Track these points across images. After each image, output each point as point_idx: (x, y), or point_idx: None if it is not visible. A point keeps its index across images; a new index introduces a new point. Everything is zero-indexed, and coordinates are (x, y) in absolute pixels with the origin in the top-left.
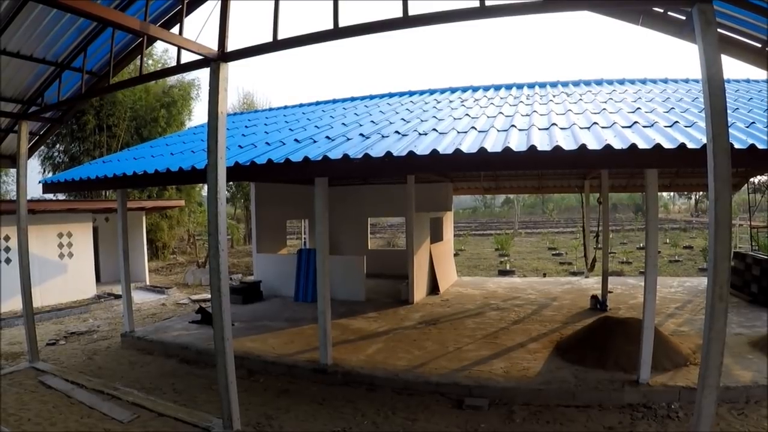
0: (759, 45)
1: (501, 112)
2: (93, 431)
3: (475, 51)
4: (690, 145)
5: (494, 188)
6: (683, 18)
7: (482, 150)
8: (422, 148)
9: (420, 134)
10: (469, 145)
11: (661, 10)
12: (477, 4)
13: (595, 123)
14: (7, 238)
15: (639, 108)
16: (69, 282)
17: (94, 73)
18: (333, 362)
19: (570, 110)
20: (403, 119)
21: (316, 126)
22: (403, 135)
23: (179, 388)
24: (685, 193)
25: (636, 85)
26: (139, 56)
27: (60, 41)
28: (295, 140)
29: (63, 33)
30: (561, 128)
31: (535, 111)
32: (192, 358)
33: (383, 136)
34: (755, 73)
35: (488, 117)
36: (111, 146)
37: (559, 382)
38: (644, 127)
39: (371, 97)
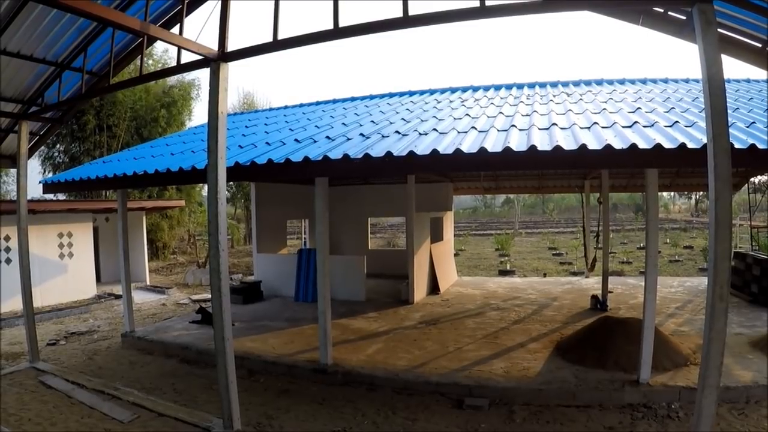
0: (759, 45)
1: (501, 112)
2: (93, 431)
3: (475, 51)
4: (690, 145)
5: (494, 188)
6: (683, 18)
7: (482, 150)
8: (422, 148)
9: (420, 134)
10: (469, 145)
11: (662, 10)
12: (477, 4)
13: (596, 123)
14: (7, 238)
15: (639, 108)
16: (69, 282)
17: (95, 73)
18: (333, 362)
19: (570, 110)
20: (403, 119)
21: (316, 126)
22: (404, 135)
23: (179, 388)
24: (686, 192)
25: (636, 85)
26: (140, 56)
27: (60, 41)
28: (296, 140)
29: (63, 33)
30: (561, 128)
31: (535, 111)
32: (192, 358)
33: (383, 136)
34: (755, 73)
35: (488, 117)
36: (111, 146)
37: (559, 382)
38: (644, 126)
39: (371, 97)
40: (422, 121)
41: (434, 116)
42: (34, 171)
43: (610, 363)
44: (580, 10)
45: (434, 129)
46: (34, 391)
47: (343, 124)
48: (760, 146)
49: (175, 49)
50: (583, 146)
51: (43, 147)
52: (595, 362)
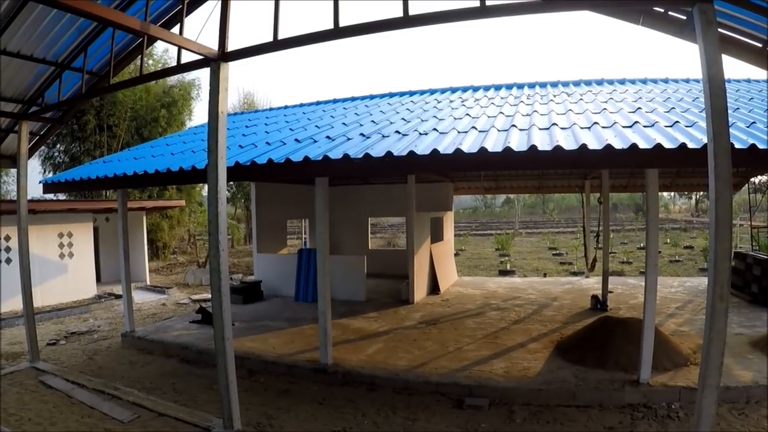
0: (759, 45)
1: (501, 112)
2: (93, 431)
3: (475, 51)
4: (690, 145)
5: (495, 188)
6: (684, 18)
7: (483, 150)
8: (423, 148)
9: (420, 134)
10: (469, 145)
11: (662, 10)
12: (477, 3)
13: (596, 123)
14: (7, 238)
15: (639, 108)
16: (69, 282)
17: (95, 73)
18: (333, 362)
19: (570, 110)
20: (403, 119)
21: (316, 126)
22: (404, 135)
23: (180, 387)
24: (686, 193)
25: (636, 85)
26: (140, 56)
27: (60, 41)
28: (296, 140)
29: (63, 33)
30: (561, 128)
31: (535, 111)
32: (192, 357)
33: (384, 136)
34: (756, 72)
35: (489, 117)
36: (111, 146)
37: (559, 382)
38: (645, 126)
39: (372, 97)
40: (422, 121)
41: (434, 116)
42: (35, 171)
43: (610, 363)
44: (580, 10)
45: (434, 129)
46: (34, 391)
47: (344, 123)
48: (761, 146)
49: (176, 49)
50: (584, 146)
51: (43, 147)
52: (595, 362)
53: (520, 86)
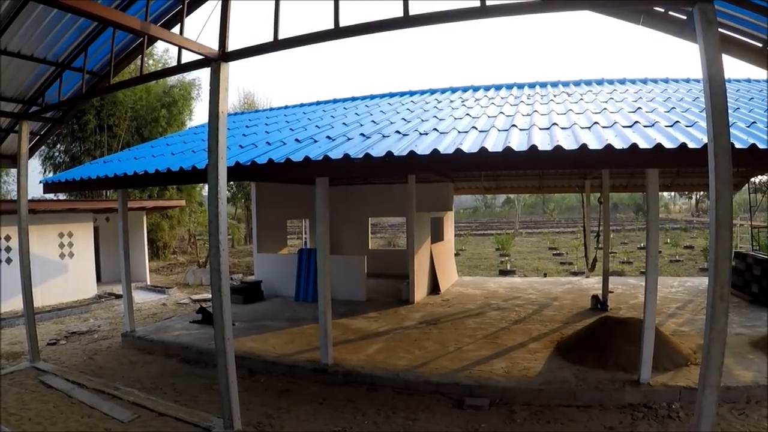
0: (759, 44)
1: (502, 112)
2: (94, 431)
3: (476, 51)
4: (691, 145)
5: (495, 188)
6: (684, 18)
7: (483, 150)
8: (423, 148)
9: (421, 134)
10: (470, 145)
11: (662, 10)
12: (477, 3)
13: (596, 123)
14: (8, 238)
15: (640, 108)
16: (70, 282)
17: (95, 73)
18: (333, 362)
19: (571, 110)
20: (403, 119)
21: (316, 126)
22: (404, 135)
23: (180, 387)
24: (686, 192)
25: (637, 85)
26: (140, 56)
27: (61, 41)
28: (296, 140)
29: (64, 33)
30: (562, 128)
31: (536, 111)
32: (193, 357)
33: (384, 136)
34: (756, 72)
35: (489, 117)
36: (112, 146)
37: (559, 382)
38: (645, 126)
39: (372, 97)
40: (423, 120)
41: (435, 116)
42: (35, 171)
43: (610, 363)
44: (580, 9)
45: (435, 129)
46: (34, 391)
47: (344, 123)
48: (761, 146)
49: (176, 48)
50: (584, 146)
51: (43, 147)
52: (596, 362)
53: (521, 86)
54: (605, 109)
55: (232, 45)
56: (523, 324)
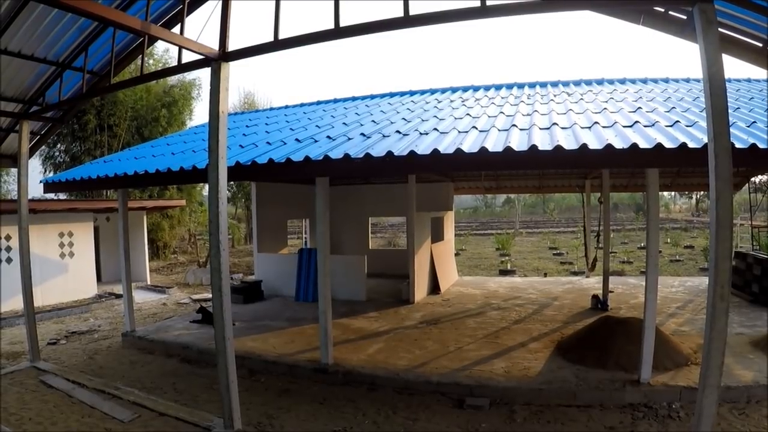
0: (760, 44)
1: (502, 112)
2: (94, 431)
3: (476, 51)
4: (691, 145)
5: (495, 188)
6: (684, 17)
7: (483, 150)
8: (423, 148)
9: (421, 134)
10: (470, 145)
11: (662, 10)
12: (477, 3)
13: (596, 122)
14: (8, 238)
15: (640, 107)
16: (70, 281)
17: (95, 73)
18: (334, 362)
19: (571, 110)
20: (404, 119)
21: (317, 125)
22: (404, 135)
23: (180, 387)
24: (686, 192)
25: (637, 85)
26: (140, 56)
27: (61, 41)
28: (296, 140)
29: (64, 33)
30: (562, 128)
31: (536, 110)
32: (193, 357)
33: (384, 136)
34: (756, 72)
35: (489, 117)
36: (112, 146)
37: (560, 381)
38: (645, 126)
39: (372, 97)
40: (423, 120)
41: (435, 116)
42: (35, 170)
43: (610, 363)
44: (581, 9)
45: (435, 129)
46: (34, 391)
47: (344, 123)
48: (761, 146)
49: (176, 48)
50: (584, 146)
51: (44, 146)
52: (596, 362)
53: (521, 86)
54: (605, 108)
55: (233, 45)
56: (523, 324)
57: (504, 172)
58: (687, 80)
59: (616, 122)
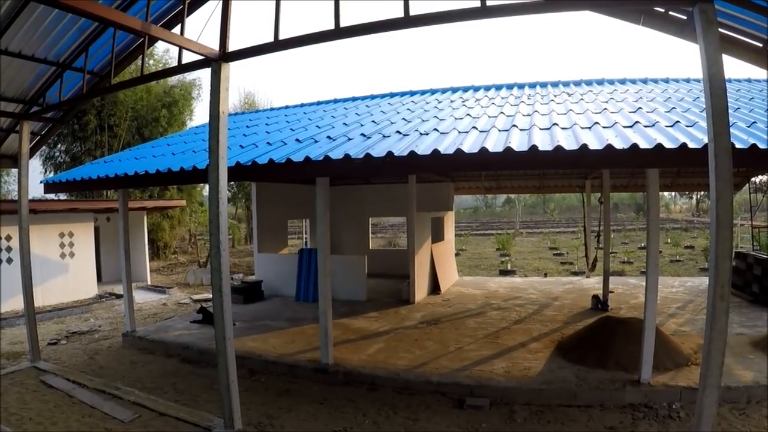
0: (760, 44)
1: (502, 112)
2: (94, 431)
3: (476, 51)
4: (691, 145)
5: (495, 188)
6: (684, 18)
7: (483, 150)
8: (423, 148)
9: (421, 134)
10: (470, 145)
11: (662, 10)
12: (478, 4)
13: (597, 123)
14: (8, 238)
15: (640, 108)
16: (70, 282)
17: (96, 73)
18: (334, 362)
19: (571, 110)
20: (404, 119)
21: (317, 126)
22: (405, 135)
23: (180, 387)
24: (687, 192)
25: (637, 85)
26: (141, 56)
27: (61, 41)
28: (297, 140)
29: (64, 33)
30: (562, 128)
31: (536, 111)
32: (193, 357)
33: (384, 136)
34: (756, 72)
35: (489, 117)
36: (112, 146)
37: (560, 381)
38: (645, 126)
39: (372, 97)
40: (423, 121)
41: (435, 116)
42: (36, 171)
43: (611, 363)
44: (581, 10)
45: (435, 129)
46: (35, 391)
47: (344, 124)
48: (761, 146)
49: (176, 49)
50: (584, 146)
51: (44, 147)
52: (596, 362)
53: (521, 86)
54: (606, 109)
55: (233, 45)
56: (523, 324)
57: (504, 172)
58: (687, 80)
59: (616, 122)
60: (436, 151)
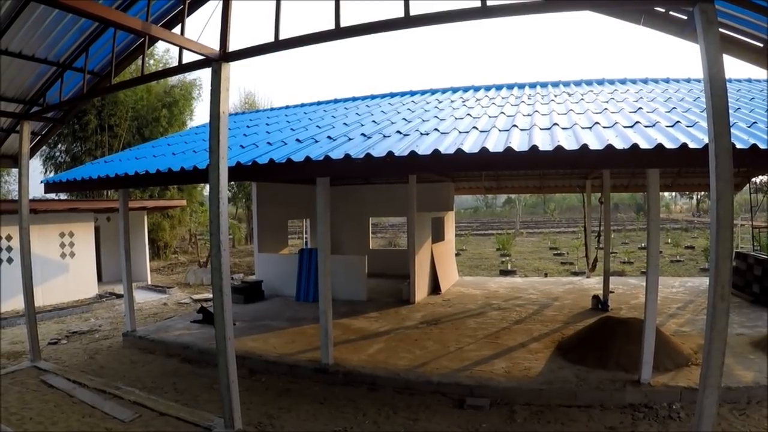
0: (760, 44)
1: (503, 112)
2: (95, 430)
3: (476, 51)
4: (692, 145)
5: (496, 188)
6: (685, 18)
7: (484, 150)
8: (424, 148)
9: (422, 134)
10: (470, 145)
11: (663, 10)
12: (478, 4)
13: (597, 123)
14: (9, 238)
15: (641, 108)
16: (71, 281)
17: (96, 73)
18: (334, 362)
19: (572, 110)
20: (404, 119)
21: (317, 126)
22: (405, 135)
23: (181, 387)
24: (687, 192)
25: (638, 85)
26: (141, 56)
27: (62, 41)
28: (297, 140)
29: (65, 33)
30: (563, 128)
31: (536, 111)
32: (193, 357)
33: (385, 136)
34: (757, 72)
35: (490, 117)
36: (113, 146)
37: (560, 382)
38: (646, 126)
39: (372, 97)
40: (424, 121)
41: (436, 116)
42: (36, 171)
43: (611, 363)
44: (581, 10)
45: (436, 129)
46: (35, 390)
47: (345, 124)
48: (762, 146)
49: (177, 49)
50: (585, 146)
51: (44, 147)
52: (597, 362)
53: (522, 86)
54: (606, 109)
55: (233, 45)
56: (523, 324)
57: (505, 172)
58: (688, 80)
59: (616, 122)
60: (436, 151)
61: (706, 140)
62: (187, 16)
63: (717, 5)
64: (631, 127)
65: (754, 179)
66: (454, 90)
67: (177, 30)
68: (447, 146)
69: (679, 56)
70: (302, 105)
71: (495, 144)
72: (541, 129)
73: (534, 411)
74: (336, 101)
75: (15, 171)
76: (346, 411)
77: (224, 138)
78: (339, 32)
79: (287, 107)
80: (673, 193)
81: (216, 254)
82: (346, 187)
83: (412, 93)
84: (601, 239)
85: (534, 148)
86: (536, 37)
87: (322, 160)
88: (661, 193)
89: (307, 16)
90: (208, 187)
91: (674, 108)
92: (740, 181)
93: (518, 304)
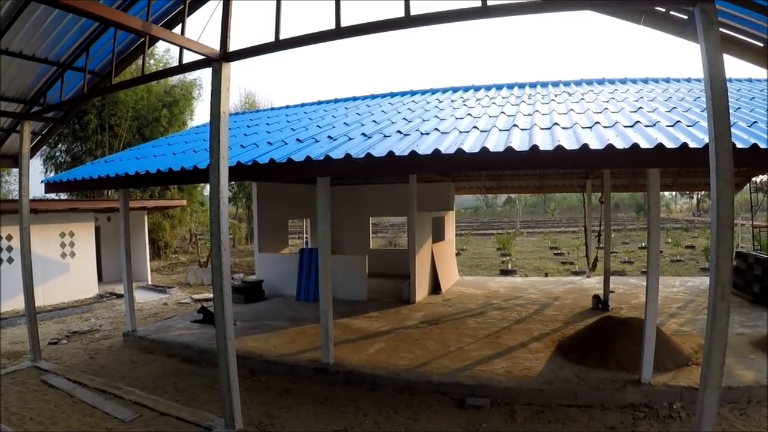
0: (761, 44)
1: (503, 112)
2: (95, 430)
3: (477, 51)
4: (692, 145)
5: (496, 188)
6: (685, 17)
7: (484, 150)
8: (424, 148)
9: (422, 134)
10: (471, 145)
11: (663, 10)
12: (479, 3)
13: (597, 122)
14: (9, 238)
15: (641, 107)
16: (71, 281)
17: (97, 73)
18: (335, 362)
19: (572, 110)
20: (405, 119)
21: (318, 126)
22: (405, 135)
23: (181, 387)
24: (687, 192)
25: (638, 85)
26: (141, 56)
27: (62, 41)
28: (297, 140)
29: (65, 33)
30: (563, 128)
31: (537, 110)
32: (194, 357)
33: (385, 136)
34: (757, 72)
35: (490, 116)
36: (113, 146)
37: (560, 381)
38: (646, 126)
39: (373, 97)
40: (424, 120)
41: (436, 116)
42: (36, 170)
43: (611, 363)
44: (582, 9)
45: (436, 129)
46: (35, 390)
47: (345, 123)
48: (762, 146)
49: (177, 48)
50: (585, 146)
51: (45, 147)
52: (597, 362)
53: (522, 86)
54: (606, 108)
55: (234, 45)
56: (524, 324)
57: (505, 172)
58: (688, 80)
59: (617, 122)
60: (437, 151)
61: (707, 140)
62: (188, 16)
63: (717, 5)
64: (632, 126)
65: (754, 179)
66: (455, 90)
67: (177, 30)
68: (447, 146)
69: (680, 56)
70: (302, 105)
71: (495, 144)
72: (541, 129)
73: (534, 411)
74: (336, 101)
75: (15, 171)
76: (346, 411)
77: (225, 138)
78: (339, 32)
79: (287, 107)
80: (674, 193)
81: (216, 254)
82: (347, 186)
83: (413, 93)
84: (602, 239)
85: (534, 147)
86: (536, 37)
87: (322, 160)
88: (661, 193)
89: (307, 16)
90: (208, 186)
91: (674, 108)
92: (740, 180)
93: (519, 303)
